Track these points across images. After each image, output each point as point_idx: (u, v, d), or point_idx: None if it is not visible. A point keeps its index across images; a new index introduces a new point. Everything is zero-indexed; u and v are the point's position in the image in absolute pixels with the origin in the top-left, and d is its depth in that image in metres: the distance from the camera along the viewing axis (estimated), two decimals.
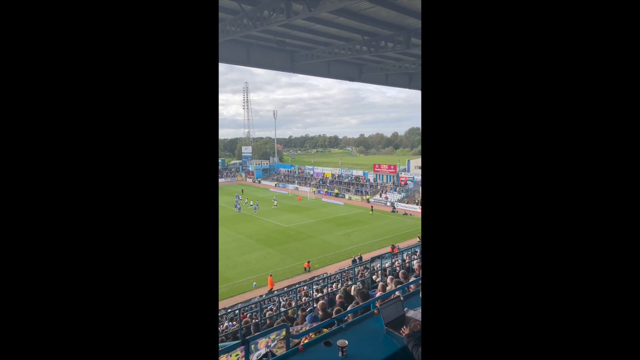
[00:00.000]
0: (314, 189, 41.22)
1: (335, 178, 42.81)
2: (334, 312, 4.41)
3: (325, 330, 2.80)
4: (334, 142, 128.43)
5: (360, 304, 4.33)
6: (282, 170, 51.84)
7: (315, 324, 3.38)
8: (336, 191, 39.10)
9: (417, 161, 42.55)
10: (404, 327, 2.41)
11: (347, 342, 2.21)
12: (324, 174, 44.92)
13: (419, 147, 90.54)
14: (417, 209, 31.78)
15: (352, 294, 6.21)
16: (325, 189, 40.45)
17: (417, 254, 12.07)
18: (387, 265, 9.39)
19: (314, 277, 13.50)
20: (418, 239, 20.53)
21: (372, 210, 30.43)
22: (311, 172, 46.44)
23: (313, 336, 2.67)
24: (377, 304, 2.99)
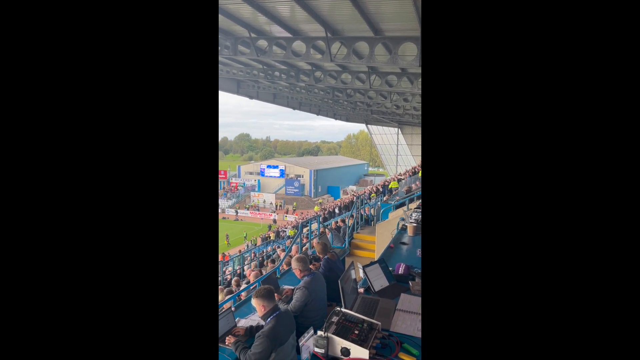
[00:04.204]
0: None
1: None
2: None
3: None
4: None
5: None
6: None
7: None
8: None
9: (248, 167, 43.30)
10: (229, 336, 2.38)
11: None
12: None
13: (249, 154, 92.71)
14: (248, 213, 32.43)
15: None
16: None
17: (247, 259, 12.23)
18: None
19: None
20: (251, 242, 20.84)
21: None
22: None
23: None
24: None
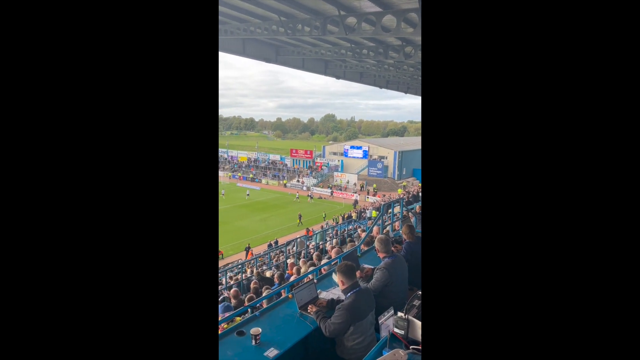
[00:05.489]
0: (229, 174, 39.60)
1: (251, 162, 41.74)
2: (246, 299, 4.33)
3: (238, 319, 2.72)
4: (249, 125, 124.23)
5: (279, 287, 4.34)
6: None
7: (227, 314, 3.26)
8: (251, 175, 38.26)
9: (332, 147, 44.17)
10: (311, 305, 2.51)
11: (260, 329, 2.18)
12: (238, 157, 43.36)
13: (334, 134, 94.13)
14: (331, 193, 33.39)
15: (268, 276, 6.21)
16: (240, 174, 39.19)
17: (330, 235, 12.68)
18: (301, 249, 9.62)
19: (227, 264, 13.09)
20: (332, 220, 21.57)
21: (310, 197, 30.11)
22: (225, 156, 44.34)
23: (225, 327, 2.57)
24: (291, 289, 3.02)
